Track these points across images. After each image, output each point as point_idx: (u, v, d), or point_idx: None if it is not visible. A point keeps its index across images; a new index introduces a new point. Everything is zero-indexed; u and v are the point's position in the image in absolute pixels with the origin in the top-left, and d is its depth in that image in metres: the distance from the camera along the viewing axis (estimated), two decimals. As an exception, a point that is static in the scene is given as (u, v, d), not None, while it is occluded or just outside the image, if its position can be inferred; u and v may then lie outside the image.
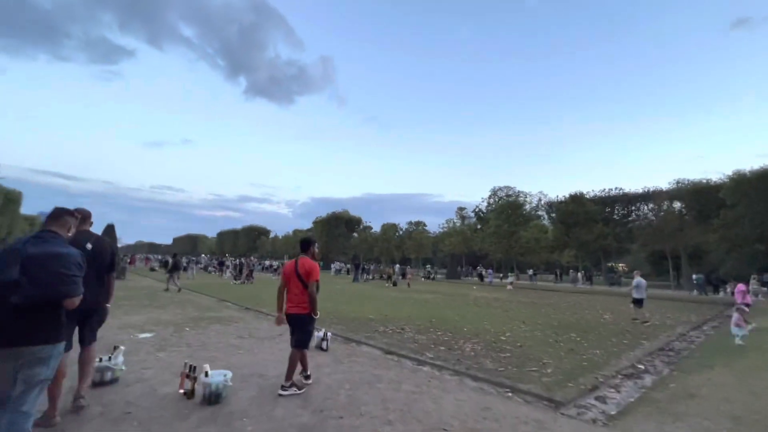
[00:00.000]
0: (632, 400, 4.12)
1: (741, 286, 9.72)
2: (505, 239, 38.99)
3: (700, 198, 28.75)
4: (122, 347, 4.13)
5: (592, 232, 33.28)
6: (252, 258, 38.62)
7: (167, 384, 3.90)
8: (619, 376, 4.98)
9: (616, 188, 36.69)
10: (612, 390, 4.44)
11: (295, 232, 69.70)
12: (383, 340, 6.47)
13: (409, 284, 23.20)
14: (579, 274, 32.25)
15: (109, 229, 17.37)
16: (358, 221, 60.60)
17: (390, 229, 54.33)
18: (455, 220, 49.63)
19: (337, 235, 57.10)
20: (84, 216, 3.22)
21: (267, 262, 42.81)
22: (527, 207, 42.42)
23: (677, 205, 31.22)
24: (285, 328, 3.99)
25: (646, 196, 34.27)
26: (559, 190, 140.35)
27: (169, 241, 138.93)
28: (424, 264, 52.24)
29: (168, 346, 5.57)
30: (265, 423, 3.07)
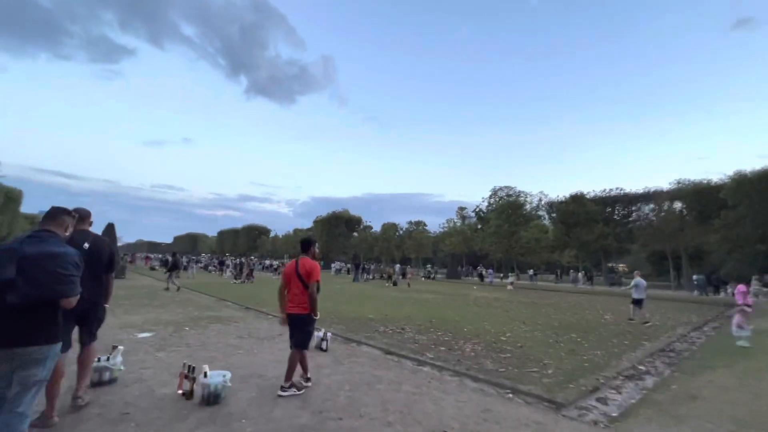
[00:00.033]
0: (633, 401, 4.10)
1: (742, 287, 9.65)
2: (506, 239, 38.98)
3: (700, 198, 28.73)
4: (121, 347, 4.11)
5: (593, 233, 33.26)
6: (252, 257, 38.67)
7: (166, 384, 3.88)
8: (620, 378, 4.96)
9: (616, 188, 36.84)
10: (613, 391, 4.42)
11: (296, 231, 69.78)
12: (383, 341, 6.45)
13: (409, 284, 23.19)
14: (579, 274, 32.21)
15: (109, 229, 17.26)
16: (359, 221, 60.62)
17: (390, 228, 54.34)
18: (455, 220, 49.63)
19: (337, 235, 57.11)
20: (82, 215, 3.20)
21: (267, 262, 42.85)
22: (528, 207, 42.38)
23: (678, 205, 31.15)
24: (285, 328, 3.97)
25: (647, 197, 34.25)
26: (559, 190, 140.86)
27: (169, 240, 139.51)
28: (425, 264, 52.19)
29: (167, 345, 5.56)
30: (264, 424, 3.06)
